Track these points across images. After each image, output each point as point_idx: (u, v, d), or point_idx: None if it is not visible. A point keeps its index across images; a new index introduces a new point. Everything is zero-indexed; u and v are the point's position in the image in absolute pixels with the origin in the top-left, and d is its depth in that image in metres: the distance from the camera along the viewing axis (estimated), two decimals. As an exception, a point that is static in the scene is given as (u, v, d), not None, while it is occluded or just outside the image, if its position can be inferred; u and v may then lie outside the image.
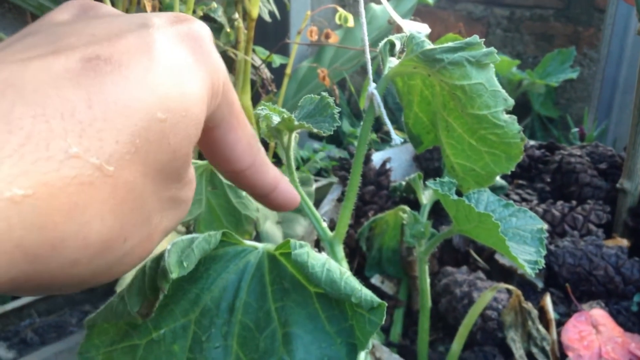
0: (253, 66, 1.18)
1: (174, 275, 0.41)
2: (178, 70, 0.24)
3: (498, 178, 0.87)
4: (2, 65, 0.20)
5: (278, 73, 1.28)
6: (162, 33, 0.25)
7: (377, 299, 0.39)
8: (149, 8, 0.98)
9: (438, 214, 0.78)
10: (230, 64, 1.23)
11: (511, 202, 0.54)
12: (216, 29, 1.20)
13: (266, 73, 1.22)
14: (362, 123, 0.62)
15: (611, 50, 1.25)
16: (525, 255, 0.49)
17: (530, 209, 0.76)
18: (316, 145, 1.50)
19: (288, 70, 1.22)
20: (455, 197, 0.51)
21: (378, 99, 0.60)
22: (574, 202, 0.76)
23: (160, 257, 0.42)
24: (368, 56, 0.63)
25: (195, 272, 0.45)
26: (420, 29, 0.89)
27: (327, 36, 1.17)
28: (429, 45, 0.57)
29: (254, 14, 1.14)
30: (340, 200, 0.84)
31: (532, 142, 0.94)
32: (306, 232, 0.85)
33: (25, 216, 0.19)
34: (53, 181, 0.19)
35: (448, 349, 0.58)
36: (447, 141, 0.62)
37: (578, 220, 0.74)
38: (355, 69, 1.46)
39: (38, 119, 0.19)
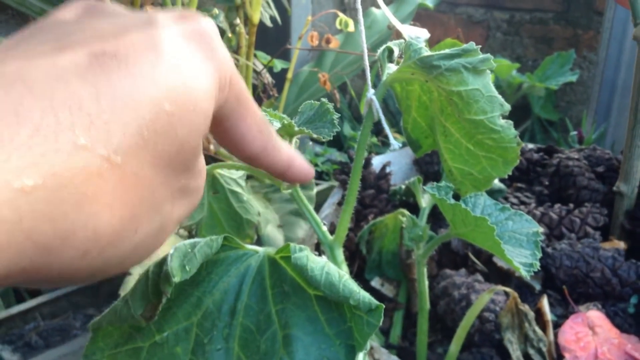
0: (254, 71, 1.20)
1: (176, 279, 0.42)
2: (185, 65, 0.25)
3: (496, 181, 0.88)
4: (11, 60, 0.21)
5: (279, 77, 1.29)
6: (168, 30, 0.25)
7: (375, 301, 0.40)
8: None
9: (437, 217, 0.79)
10: (233, 68, 1.24)
11: (507, 206, 0.55)
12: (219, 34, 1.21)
13: (267, 78, 1.23)
14: (361, 128, 0.63)
15: (609, 54, 1.26)
16: (521, 258, 0.50)
17: (529, 212, 0.77)
18: (318, 148, 1.52)
19: (289, 75, 1.24)
20: (452, 201, 0.52)
21: (377, 104, 0.61)
22: (571, 205, 0.77)
23: (163, 262, 0.44)
24: (366, 62, 0.64)
25: (198, 276, 0.46)
26: (419, 34, 0.90)
27: (328, 41, 1.18)
28: (426, 52, 0.58)
29: (256, 19, 1.16)
30: (340, 203, 0.85)
31: (530, 146, 0.94)
32: (307, 235, 0.86)
33: (35, 207, 0.19)
34: (62, 172, 0.20)
35: (446, 350, 0.59)
36: (445, 146, 0.63)
37: (575, 223, 0.74)
38: (356, 73, 1.47)
39: (46, 111, 0.20)
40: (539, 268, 0.67)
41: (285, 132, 0.60)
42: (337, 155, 1.49)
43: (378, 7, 1.51)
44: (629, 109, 0.71)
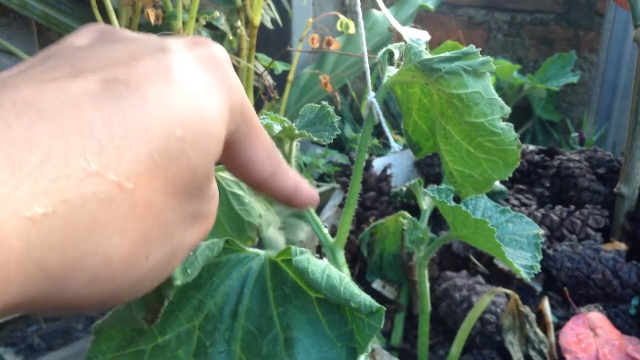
0: (255, 73, 1.20)
1: (178, 282, 0.42)
2: (197, 91, 0.25)
3: (497, 183, 0.88)
4: (22, 86, 0.21)
5: (280, 80, 1.30)
6: (180, 56, 0.25)
7: (375, 304, 0.40)
8: (152, 17, 0.99)
9: (438, 219, 0.79)
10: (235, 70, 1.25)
11: (508, 208, 0.55)
12: (219, 36, 1.21)
13: (268, 80, 1.24)
14: (362, 130, 0.63)
15: (610, 55, 1.26)
16: (521, 260, 0.50)
17: (529, 213, 0.77)
18: (319, 150, 1.52)
19: (290, 77, 1.24)
20: (453, 203, 0.53)
21: (377, 107, 0.61)
22: (572, 207, 0.77)
23: (165, 265, 0.44)
24: (367, 65, 0.64)
25: (199, 279, 0.46)
26: (420, 36, 0.90)
27: (329, 43, 1.18)
28: (426, 55, 0.58)
29: (256, 21, 1.16)
30: (341, 206, 0.85)
31: (531, 147, 0.95)
32: (308, 237, 0.86)
33: (45, 235, 0.19)
34: (73, 198, 0.20)
35: (448, 352, 0.59)
36: (446, 148, 0.63)
37: (576, 224, 0.75)
38: (357, 75, 1.47)
39: (57, 136, 0.20)
40: (540, 270, 0.68)
41: (286, 135, 0.60)
42: (338, 157, 1.49)
43: (379, 9, 1.52)
44: (630, 110, 0.71)
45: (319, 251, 0.77)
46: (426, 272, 0.59)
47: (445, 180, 0.87)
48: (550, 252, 0.70)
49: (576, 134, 1.17)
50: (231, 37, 1.18)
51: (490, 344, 0.60)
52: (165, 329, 0.46)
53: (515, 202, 0.84)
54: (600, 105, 1.32)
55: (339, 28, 1.21)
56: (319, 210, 0.94)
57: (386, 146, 1.46)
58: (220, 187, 0.70)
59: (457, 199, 0.60)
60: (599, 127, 1.30)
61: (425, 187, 0.98)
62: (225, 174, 0.70)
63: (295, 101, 1.45)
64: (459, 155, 0.62)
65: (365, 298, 0.41)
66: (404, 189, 0.84)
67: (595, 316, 0.64)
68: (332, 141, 0.59)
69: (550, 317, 0.62)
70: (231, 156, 0.30)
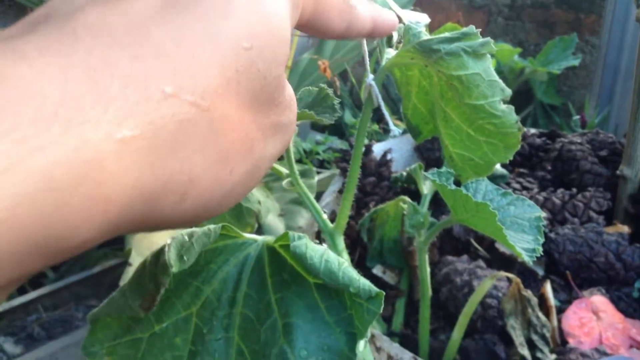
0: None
1: (174, 269, 0.42)
2: None
3: (499, 167, 0.87)
4: (90, 9, 0.21)
5: (279, 65, 1.28)
6: None
7: (375, 289, 0.40)
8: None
9: (439, 203, 0.78)
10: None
11: (509, 191, 0.54)
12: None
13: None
14: (361, 114, 0.62)
15: (612, 37, 1.25)
16: (523, 244, 0.49)
17: (531, 197, 0.76)
18: (318, 137, 1.51)
19: (289, 63, 1.23)
20: (453, 187, 0.52)
21: (376, 90, 0.60)
22: (574, 190, 0.76)
23: (160, 252, 0.43)
24: (365, 48, 0.63)
25: (196, 266, 0.45)
26: (419, 19, 0.88)
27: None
28: (425, 36, 0.57)
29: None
30: (341, 191, 0.84)
31: (532, 130, 0.94)
32: (308, 224, 0.86)
33: (136, 156, 0.20)
34: (155, 120, 0.20)
35: (449, 337, 0.59)
36: (446, 131, 0.62)
37: (578, 207, 0.74)
38: (356, 60, 1.46)
39: (134, 60, 0.20)
40: (542, 253, 0.67)
41: (284, 119, 0.59)
42: (338, 144, 1.48)
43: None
44: (632, 91, 0.70)
45: (319, 237, 0.76)
46: (427, 257, 0.58)
47: (445, 165, 0.87)
48: (552, 235, 0.69)
49: (578, 117, 1.16)
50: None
51: (492, 329, 0.59)
52: (162, 317, 0.45)
53: (517, 185, 0.83)
54: (602, 88, 1.30)
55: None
56: (318, 197, 0.93)
57: (386, 131, 1.45)
58: (218, 174, 0.69)
59: (458, 183, 0.59)
60: (600, 110, 1.29)
61: (425, 171, 0.97)
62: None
63: (295, 87, 1.43)
64: (459, 138, 0.61)
65: (364, 283, 0.40)
66: (405, 173, 0.83)
67: (598, 300, 0.63)
68: (333, 122, 0.58)
69: (552, 300, 0.61)
70: (304, 28, 0.30)
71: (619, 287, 0.67)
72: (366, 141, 1.44)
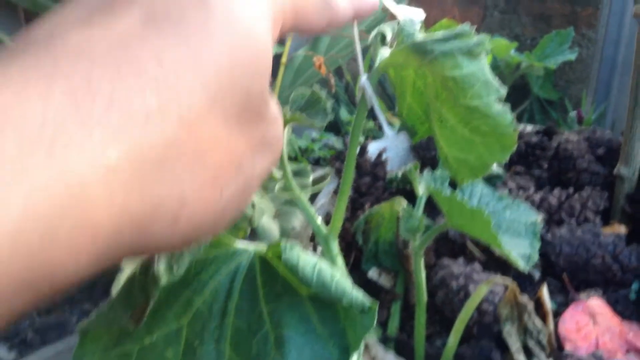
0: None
1: (163, 281, 0.41)
2: (237, 12, 0.24)
3: (495, 166, 0.87)
4: (69, 33, 0.20)
5: (273, 62, 1.27)
6: None
7: (368, 301, 0.39)
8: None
9: (435, 204, 0.78)
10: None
11: (505, 194, 0.53)
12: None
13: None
14: (355, 114, 0.61)
15: (609, 31, 1.24)
16: (519, 249, 0.48)
17: (527, 197, 0.76)
18: (314, 134, 1.50)
19: (284, 59, 1.22)
20: (448, 192, 0.51)
21: (370, 90, 0.59)
22: (571, 189, 0.76)
23: (149, 262, 0.42)
24: (358, 47, 0.62)
25: (187, 276, 0.44)
26: (414, 15, 0.87)
27: (321, 24, 1.16)
28: (419, 36, 0.56)
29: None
30: (337, 192, 0.83)
31: (529, 128, 0.93)
32: (302, 226, 0.85)
33: (123, 180, 0.19)
34: (140, 142, 0.20)
35: (445, 343, 0.58)
36: (441, 132, 0.61)
37: (575, 208, 0.73)
38: (351, 57, 1.44)
39: (115, 81, 0.19)
40: (538, 256, 0.66)
41: (276, 123, 0.58)
42: (334, 141, 1.47)
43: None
44: (629, 89, 0.69)
45: (314, 240, 0.75)
46: (422, 262, 0.58)
47: (441, 164, 0.86)
48: (548, 237, 0.69)
49: (574, 113, 1.15)
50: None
51: (488, 335, 0.59)
52: (152, 329, 0.44)
53: (513, 185, 0.82)
54: (599, 82, 1.30)
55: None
56: (314, 196, 0.93)
57: (382, 128, 1.44)
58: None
59: (453, 184, 0.59)
60: (597, 105, 1.28)
61: (421, 170, 0.96)
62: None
63: (290, 84, 1.42)
64: (454, 139, 0.60)
65: (357, 295, 0.39)
66: (400, 174, 0.82)
67: (595, 303, 0.62)
68: (324, 126, 0.58)
69: (549, 305, 0.60)
70: (287, 31, 0.30)
71: (616, 289, 0.67)
72: (362, 139, 1.43)
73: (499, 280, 0.54)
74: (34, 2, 1.13)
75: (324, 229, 0.60)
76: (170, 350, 0.44)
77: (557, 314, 0.63)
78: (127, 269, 0.72)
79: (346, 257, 0.74)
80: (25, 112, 0.18)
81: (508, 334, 0.56)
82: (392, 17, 0.95)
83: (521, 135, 0.89)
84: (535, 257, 0.47)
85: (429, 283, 0.66)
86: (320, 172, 1.23)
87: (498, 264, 0.68)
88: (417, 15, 0.92)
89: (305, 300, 0.42)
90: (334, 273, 0.41)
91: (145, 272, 0.42)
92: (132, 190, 0.20)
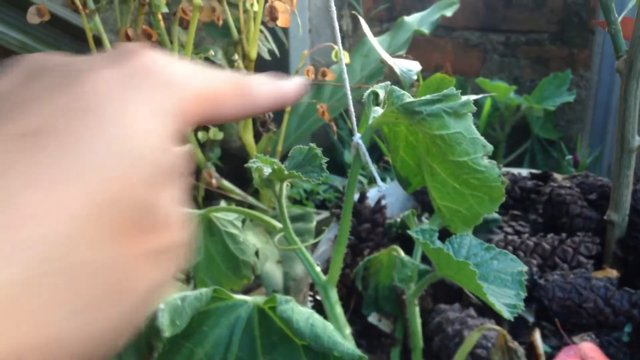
0: (253, 105, 1.22)
1: (167, 334, 0.44)
2: (123, 119, 0.23)
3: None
4: None
5: (279, 109, 1.32)
6: (102, 79, 0.23)
7: (358, 353, 0.41)
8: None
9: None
10: (232, 103, 1.27)
11: (492, 245, 0.56)
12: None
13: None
14: (349, 172, 0.65)
15: (602, 77, 1.27)
16: (505, 299, 0.51)
17: (522, 242, 0.78)
18: (319, 177, 1.53)
19: (288, 107, 1.26)
20: (437, 244, 0.54)
21: (363, 148, 0.63)
22: (564, 235, 0.78)
23: (154, 316, 0.45)
24: (351, 108, 0.66)
25: (189, 328, 0.47)
26: (410, 67, 0.92)
27: (324, 74, 1.20)
28: (408, 98, 0.60)
29: (253, 55, 1.18)
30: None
31: (524, 173, 0.96)
32: (304, 272, 0.87)
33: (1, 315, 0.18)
34: (6, 282, 0.18)
35: (441, 387, 0.60)
36: (433, 185, 0.65)
37: (568, 252, 0.75)
38: (355, 100, 1.49)
39: None
40: (532, 300, 0.68)
41: (276, 177, 0.62)
42: (338, 183, 1.50)
43: (375, 34, 1.53)
44: (615, 139, 0.72)
45: (313, 288, 0.78)
46: (417, 309, 0.60)
47: (435, 213, 0.89)
48: (542, 282, 0.71)
49: (570, 157, 1.18)
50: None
51: (482, 379, 0.61)
52: (157, 379, 0.47)
53: (509, 229, 0.85)
54: (594, 126, 1.33)
55: (333, 58, 1.23)
56: (315, 243, 0.95)
57: (385, 170, 1.47)
58: (215, 227, 0.71)
59: (448, 232, 0.61)
60: (593, 149, 1.31)
61: (420, 215, 0.99)
62: (220, 215, 0.72)
63: (295, 129, 1.46)
64: (445, 191, 0.63)
65: (348, 347, 0.42)
66: (399, 220, 0.85)
67: (587, 346, 0.64)
68: (319, 182, 0.61)
69: (541, 348, 0.62)
70: (203, 122, 0.28)
71: (609, 332, 0.69)
72: (363, 180, 1.46)
73: (491, 326, 0.57)
74: (25, 46, 1.17)
75: (322, 277, 0.62)
76: (173, 400, 0.46)
77: (551, 357, 0.65)
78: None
79: (347, 302, 0.76)
80: None
81: (499, 379, 0.58)
82: (391, 67, 0.99)
83: (516, 180, 0.91)
84: (521, 307, 0.49)
85: (426, 328, 0.69)
86: (324, 214, 1.26)
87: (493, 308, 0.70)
88: (413, 66, 0.97)
89: (300, 350, 0.45)
90: (327, 325, 0.43)
91: (150, 324, 0.45)
92: (11, 324, 0.18)
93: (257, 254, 0.80)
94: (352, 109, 0.66)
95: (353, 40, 1.95)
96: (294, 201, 1.43)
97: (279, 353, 0.46)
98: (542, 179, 0.95)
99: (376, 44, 0.95)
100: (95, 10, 0.95)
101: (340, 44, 0.69)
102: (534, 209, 0.90)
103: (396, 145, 0.69)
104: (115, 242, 0.22)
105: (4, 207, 0.19)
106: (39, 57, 0.26)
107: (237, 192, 1.26)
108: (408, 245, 0.74)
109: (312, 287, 0.76)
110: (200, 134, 1.22)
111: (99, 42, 0.99)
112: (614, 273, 0.73)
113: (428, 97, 0.58)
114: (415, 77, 0.88)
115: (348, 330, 0.60)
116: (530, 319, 0.69)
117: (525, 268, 0.53)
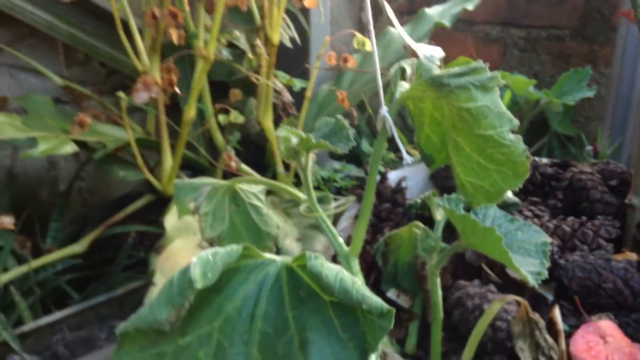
0: (274, 90, 1.23)
1: (199, 285, 0.45)
2: None
3: (511, 195, 0.90)
4: None
5: (298, 96, 1.32)
6: None
7: (386, 306, 0.42)
8: (175, 37, 1.03)
9: (452, 230, 0.81)
10: (253, 88, 1.28)
11: (517, 217, 0.56)
12: (238, 55, 1.25)
13: (287, 97, 1.26)
14: (375, 143, 0.66)
15: (624, 69, 1.27)
16: (529, 267, 0.51)
17: (542, 224, 0.79)
18: (336, 165, 1.54)
19: (308, 94, 1.27)
20: (462, 212, 0.54)
21: (390, 121, 0.64)
22: (584, 218, 0.78)
23: (186, 269, 0.46)
24: (379, 81, 0.67)
25: (219, 283, 0.48)
26: (434, 53, 0.92)
27: (346, 60, 1.21)
28: (436, 71, 0.60)
29: (275, 40, 1.19)
30: (357, 217, 0.87)
31: (544, 160, 0.96)
32: (324, 248, 0.88)
33: None
34: None
35: (460, 359, 0.61)
36: (457, 160, 0.65)
37: (588, 235, 0.76)
38: (373, 91, 1.49)
39: None
40: (552, 279, 0.69)
41: (303, 147, 0.63)
42: (355, 172, 1.51)
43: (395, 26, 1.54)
44: (637, 123, 0.72)
45: (335, 261, 0.79)
46: (438, 280, 0.61)
47: (458, 190, 0.89)
48: (561, 261, 0.72)
49: (590, 148, 1.19)
50: (251, 56, 1.21)
51: (501, 350, 0.61)
52: (186, 331, 0.48)
53: (529, 213, 0.85)
54: (615, 119, 1.33)
55: (355, 46, 1.24)
56: (334, 221, 0.96)
57: (402, 159, 1.48)
58: (240, 199, 0.72)
59: (469, 210, 0.62)
60: (613, 141, 1.31)
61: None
62: (244, 186, 0.73)
63: (314, 117, 1.47)
64: (470, 167, 0.64)
65: (376, 301, 0.43)
66: (419, 200, 0.86)
67: (606, 324, 0.65)
68: (347, 151, 0.62)
69: (561, 324, 0.63)
70: None
71: (627, 313, 0.69)
72: (382, 169, 1.47)
73: (512, 298, 0.57)
74: (73, 37, 1.19)
75: (345, 248, 0.63)
76: (202, 351, 0.48)
77: (569, 336, 0.65)
78: (160, 283, 0.76)
79: (366, 277, 0.77)
80: None
81: (520, 349, 0.58)
82: (413, 54, 1.00)
83: (537, 167, 0.92)
84: (545, 274, 0.50)
85: (446, 303, 0.69)
86: (342, 200, 1.27)
87: (512, 286, 0.71)
88: (437, 53, 0.98)
89: (328, 306, 0.46)
90: (355, 280, 0.44)
91: (182, 277, 0.46)
92: None
93: (278, 228, 0.81)
94: (380, 81, 0.67)
95: (369, 33, 1.96)
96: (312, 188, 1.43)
97: (306, 308, 0.47)
98: (562, 167, 0.95)
99: (401, 29, 0.95)
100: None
101: (372, 27, 0.70)
102: (554, 196, 0.91)
103: (421, 121, 0.69)
104: None
105: None
106: None
107: (255, 175, 1.27)
108: (427, 226, 0.75)
109: (333, 259, 0.77)
110: (221, 117, 1.23)
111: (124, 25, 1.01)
112: (633, 256, 0.74)
113: (456, 69, 0.59)
114: (438, 63, 0.89)
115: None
116: (550, 297, 0.70)
117: (549, 239, 0.54)
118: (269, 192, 1.02)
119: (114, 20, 1.00)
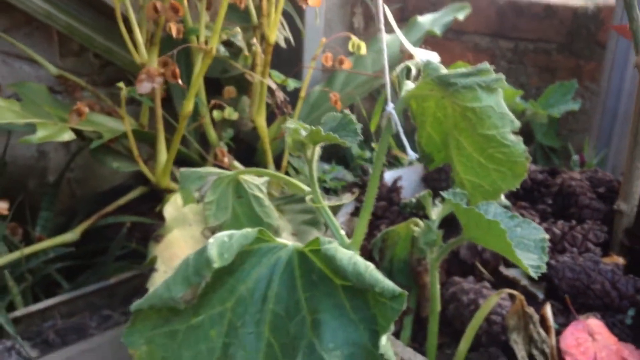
0: (269, 89, 1.24)
1: (216, 265, 0.46)
2: None
3: (502, 198, 0.92)
4: None
5: (291, 96, 1.34)
6: None
7: (398, 288, 0.44)
8: (174, 31, 1.04)
9: (446, 229, 0.83)
10: (246, 86, 1.30)
11: (516, 214, 0.59)
12: (234, 52, 1.26)
13: (281, 96, 1.28)
14: (380, 140, 0.67)
15: (611, 84, 1.31)
16: (529, 261, 0.54)
17: (533, 227, 0.81)
18: (326, 166, 1.56)
19: (302, 94, 1.28)
20: (467, 206, 0.56)
21: (395, 117, 0.66)
22: (574, 222, 0.81)
23: (203, 250, 0.48)
24: (387, 78, 0.69)
25: (232, 265, 0.50)
26: (430, 57, 0.95)
27: (341, 62, 1.23)
28: (443, 71, 0.63)
29: (272, 39, 1.21)
30: (353, 214, 0.89)
31: (534, 167, 0.99)
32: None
33: None
34: None
35: (455, 351, 0.63)
36: (458, 159, 0.68)
37: (577, 238, 0.78)
38: (365, 95, 1.51)
39: None
40: (543, 278, 0.71)
41: (310, 139, 0.64)
42: (345, 174, 1.53)
43: (388, 32, 1.56)
44: (629, 132, 0.75)
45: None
46: (437, 274, 0.63)
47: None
48: (552, 262, 0.74)
49: (577, 157, 1.22)
50: (247, 54, 1.22)
51: (496, 343, 0.63)
52: (199, 310, 0.49)
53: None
54: (601, 131, 1.37)
55: (350, 49, 1.26)
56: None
57: (392, 164, 1.50)
58: (243, 190, 0.74)
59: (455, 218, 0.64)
60: (598, 152, 1.35)
61: (432, 200, 1.02)
62: (248, 177, 0.74)
63: (305, 117, 1.49)
64: (470, 165, 0.66)
65: (389, 284, 0.44)
66: (414, 200, 0.88)
67: (594, 323, 0.67)
68: (357, 144, 0.63)
69: (551, 321, 0.65)
70: None
71: (614, 314, 0.72)
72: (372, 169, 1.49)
73: (508, 292, 0.59)
74: (69, 26, 1.19)
75: (347, 240, 0.65)
76: (214, 330, 0.49)
77: (559, 334, 0.67)
78: (161, 269, 0.77)
79: (362, 272, 0.79)
80: None
81: (515, 342, 0.61)
82: (409, 58, 1.02)
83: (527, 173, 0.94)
84: (544, 268, 0.52)
85: (440, 298, 0.71)
86: (335, 200, 1.28)
87: (505, 284, 0.73)
88: (433, 57, 1.00)
89: (339, 290, 0.48)
90: (367, 264, 0.46)
91: (199, 257, 0.47)
92: None
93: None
94: (387, 78, 0.69)
95: (364, 37, 1.98)
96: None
97: (318, 291, 0.48)
98: (551, 173, 0.98)
99: (399, 32, 0.98)
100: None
101: (382, 25, 0.72)
102: (543, 201, 0.93)
103: (423, 120, 0.71)
104: None
105: None
106: None
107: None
108: (421, 225, 0.77)
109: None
110: (215, 113, 1.24)
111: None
112: (620, 260, 0.76)
113: (463, 70, 0.61)
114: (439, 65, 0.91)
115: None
116: (541, 296, 0.72)
117: (547, 236, 0.56)
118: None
119: (112, 13, 1.01)
